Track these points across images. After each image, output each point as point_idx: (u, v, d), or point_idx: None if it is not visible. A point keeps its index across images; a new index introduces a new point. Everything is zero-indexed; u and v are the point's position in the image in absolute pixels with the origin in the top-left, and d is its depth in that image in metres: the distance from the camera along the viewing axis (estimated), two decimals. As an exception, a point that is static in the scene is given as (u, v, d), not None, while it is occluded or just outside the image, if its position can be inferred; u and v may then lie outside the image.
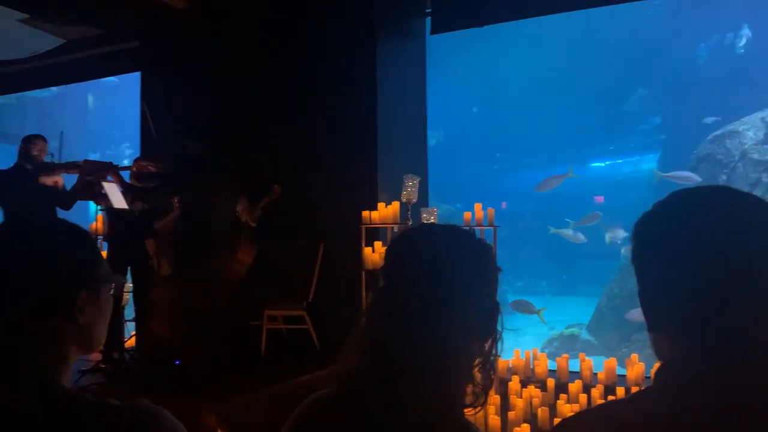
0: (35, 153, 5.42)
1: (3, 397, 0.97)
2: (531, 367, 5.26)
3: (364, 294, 5.18)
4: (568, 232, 11.99)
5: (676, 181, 9.74)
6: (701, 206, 0.90)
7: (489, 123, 21.32)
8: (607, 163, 21.25)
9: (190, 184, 4.66)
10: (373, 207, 5.38)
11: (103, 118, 20.71)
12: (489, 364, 1.07)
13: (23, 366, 1.01)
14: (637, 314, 9.97)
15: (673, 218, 0.91)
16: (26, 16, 6.56)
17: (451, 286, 1.05)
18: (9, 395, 0.97)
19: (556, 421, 4.22)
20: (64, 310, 1.05)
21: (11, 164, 5.45)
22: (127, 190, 5.20)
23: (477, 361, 1.07)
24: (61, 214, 5.52)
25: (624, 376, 5.01)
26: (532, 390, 4.72)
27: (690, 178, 9.88)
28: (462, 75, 20.37)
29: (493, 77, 20.97)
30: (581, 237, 11.64)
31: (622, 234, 11.39)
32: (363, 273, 5.23)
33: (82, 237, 1.13)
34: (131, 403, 1.00)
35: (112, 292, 1.16)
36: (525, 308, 9.16)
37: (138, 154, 6.21)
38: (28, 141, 5.46)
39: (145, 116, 5.84)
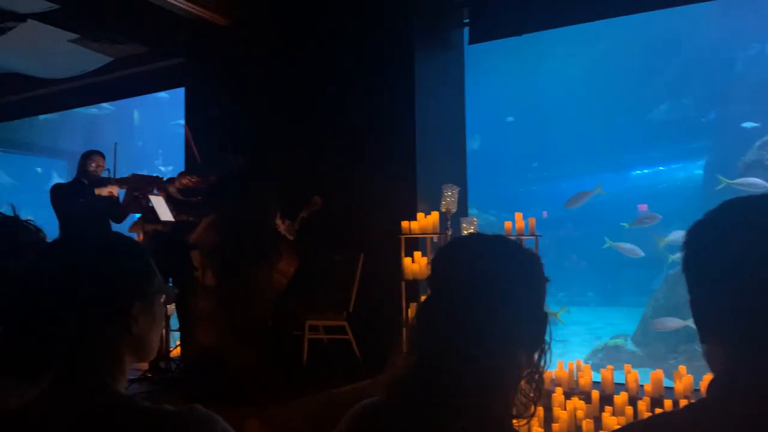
0: (92, 168, 5.60)
1: (63, 401, 1.01)
2: (575, 378, 5.16)
3: (404, 304, 5.18)
4: (624, 246, 11.54)
5: (742, 188, 9.34)
6: (754, 216, 0.89)
7: (525, 132, 21.08)
8: (647, 170, 20.76)
9: (234, 197, 4.75)
10: (413, 217, 5.37)
11: (149, 134, 21.19)
12: (537, 375, 1.07)
13: (82, 373, 1.05)
14: (665, 324, 9.60)
15: (726, 228, 0.89)
16: (77, 36, 6.82)
17: (499, 296, 1.04)
18: (69, 400, 1.01)
19: (602, 434, 4.14)
20: (119, 321, 1.09)
21: (64, 178, 5.65)
22: (171, 203, 5.33)
23: (525, 372, 1.07)
24: (114, 227, 5.70)
25: (671, 388, 4.86)
26: (576, 402, 4.63)
27: (758, 185, 9.33)
28: (496, 84, 20.22)
29: (529, 86, 20.74)
30: (638, 251, 11.19)
31: (671, 241, 10.89)
32: (403, 283, 5.22)
33: (136, 250, 1.17)
34: (186, 409, 1.03)
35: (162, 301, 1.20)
36: None
37: (182, 169, 6.35)
38: (87, 157, 5.66)
39: (188, 138, 5.99)
